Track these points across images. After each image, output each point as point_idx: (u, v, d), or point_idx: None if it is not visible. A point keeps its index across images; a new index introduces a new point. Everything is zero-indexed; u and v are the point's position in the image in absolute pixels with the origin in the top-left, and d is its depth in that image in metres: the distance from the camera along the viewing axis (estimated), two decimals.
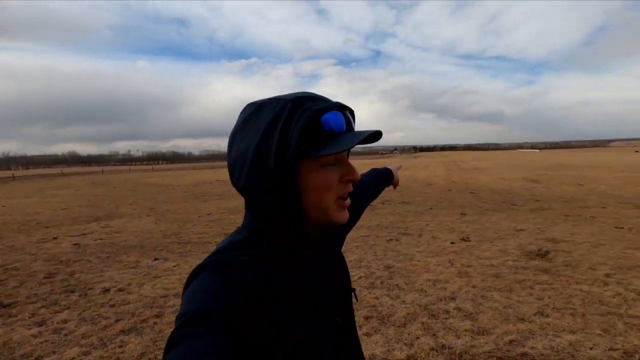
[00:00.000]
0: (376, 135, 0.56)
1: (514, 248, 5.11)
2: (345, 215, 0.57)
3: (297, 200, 0.52)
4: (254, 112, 0.54)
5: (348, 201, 0.58)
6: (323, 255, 0.62)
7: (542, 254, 4.78)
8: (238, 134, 0.55)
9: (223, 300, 0.45)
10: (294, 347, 0.49)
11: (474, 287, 3.73)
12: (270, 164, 0.50)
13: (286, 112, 0.50)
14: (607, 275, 3.89)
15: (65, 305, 3.62)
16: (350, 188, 0.57)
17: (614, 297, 3.34)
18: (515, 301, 3.35)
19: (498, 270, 4.20)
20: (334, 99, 0.57)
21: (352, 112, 0.58)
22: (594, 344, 2.58)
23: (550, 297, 3.40)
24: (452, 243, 5.52)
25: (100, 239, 6.69)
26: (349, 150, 0.55)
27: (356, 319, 3.13)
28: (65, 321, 3.25)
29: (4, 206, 12.31)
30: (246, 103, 0.57)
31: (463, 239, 5.74)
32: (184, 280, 0.50)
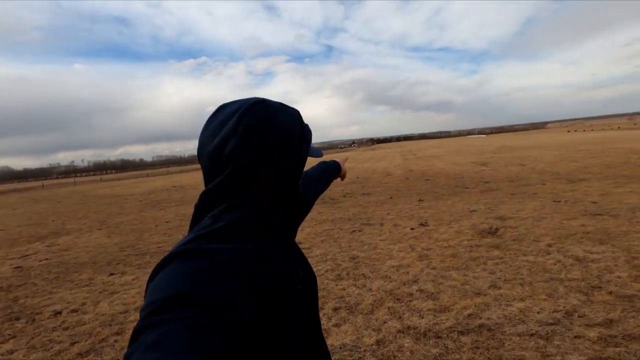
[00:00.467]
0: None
1: (468, 228, 5.45)
2: None
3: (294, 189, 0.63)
4: (281, 107, 0.62)
5: None
6: (291, 243, 0.68)
7: (492, 232, 5.14)
8: (271, 120, 0.59)
9: (204, 281, 0.43)
10: (273, 329, 0.50)
11: (433, 268, 3.93)
12: (302, 150, 0.62)
13: (300, 117, 0.65)
14: (549, 245, 4.27)
15: (10, 334, 3.31)
16: None
17: (555, 264, 3.68)
18: (472, 277, 3.58)
19: (455, 251, 4.45)
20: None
21: None
22: (540, 309, 2.84)
23: (501, 271, 3.67)
24: (412, 229, 5.76)
25: (46, 259, 6.18)
26: None
27: (325, 311, 3.18)
28: (11, 352, 2.97)
29: None
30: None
31: (422, 224, 6.01)
32: None
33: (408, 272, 3.89)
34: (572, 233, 4.65)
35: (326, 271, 4.18)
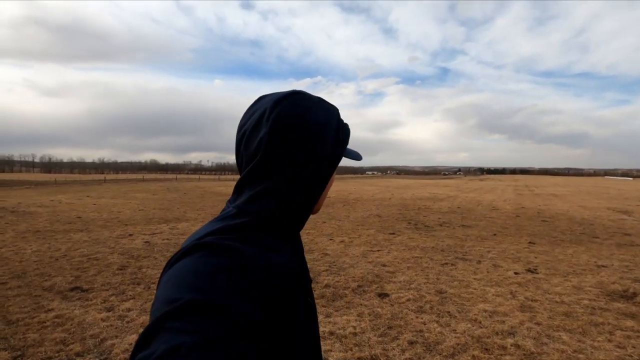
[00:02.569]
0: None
1: (592, 286, 4.48)
2: None
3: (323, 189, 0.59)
4: (319, 102, 0.59)
5: None
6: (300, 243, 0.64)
7: (628, 296, 4.11)
8: (312, 109, 0.56)
9: (225, 287, 0.41)
10: (283, 334, 0.48)
11: (537, 323, 3.33)
12: (336, 149, 0.58)
13: (338, 115, 0.62)
14: None
15: (131, 295, 4.00)
16: None
17: None
18: (589, 346, 2.92)
19: (570, 309, 3.70)
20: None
21: None
22: None
23: (634, 347, 2.90)
24: (515, 273, 5.02)
25: (167, 239, 7.32)
26: None
27: (399, 342, 2.98)
28: (129, 310, 3.59)
29: (94, 204, 14.11)
30: None
31: (529, 270, 5.18)
32: None
33: (504, 322, 3.38)
34: None
35: (407, 300, 3.93)
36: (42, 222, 9.23)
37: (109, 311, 3.54)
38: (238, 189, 0.57)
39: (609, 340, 3.02)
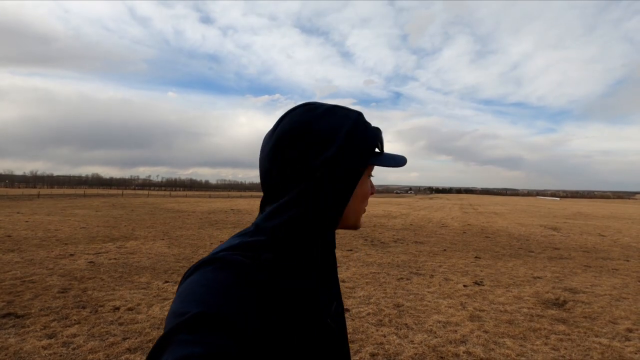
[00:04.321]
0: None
1: (529, 295, 4.94)
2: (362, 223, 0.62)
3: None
4: (330, 111, 0.55)
5: None
6: (329, 260, 0.63)
7: (559, 304, 4.59)
8: (317, 120, 0.54)
9: (233, 301, 0.42)
10: (294, 352, 0.48)
11: (485, 331, 3.61)
12: (355, 158, 0.53)
13: (362, 118, 0.57)
14: (629, 330, 3.70)
15: (76, 320, 3.69)
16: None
17: (637, 354, 3.16)
18: (529, 350, 3.22)
19: (512, 317, 4.05)
20: None
21: None
22: None
23: (566, 349, 3.25)
24: (464, 286, 5.38)
25: (115, 258, 6.83)
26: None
27: (362, 355, 3.06)
28: (74, 335, 3.30)
29: (27, 222, 12.75)
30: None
31: (476, 283, 5.58)
32: None
33: (456, 331, 3.61)
34: None
35: (368, 314, 4.05)
36: None
37: (51, 338, 3.23)
38: (261, 207, 0.57)
39: (546, 344, 3.35)
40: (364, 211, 0.60)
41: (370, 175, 0.60)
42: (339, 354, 0.59)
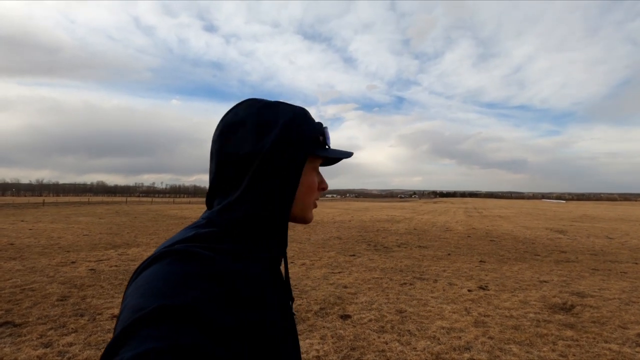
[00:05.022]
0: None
1: (536, 300, 4.82)
2: (312, 217, 0.62)
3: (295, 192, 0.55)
4: (269, 105, 0.56)
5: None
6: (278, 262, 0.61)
7: (567, 308, 4.48)
8: (254, 116, 0.54)
9: (196, 292, 0.40)
10: (264, 343, 0.46)
11: (490, 338, 3.51)
12: (292, 149, 0.53)
13: (302, 112, 0.57)
14: None
15: (73, 328, 3.64)
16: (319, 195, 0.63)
17: None
18: (536, 356, 3.12)
19: (518, 322, 3.95)
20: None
21: None
22: None
23: (574, 355, 3.15)
24: (469, 291, 5.27)
25: (116, 265, 6.79)
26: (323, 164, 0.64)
27: None
28: (70, 344, 3.25)
29: (30, 229, 12.79)
30: None
31: (481, 287, 5.47)
32: None
33: (460, 337, 3.51)
34: None
35: (369, 320, 3.96)
36: None
37: (47, 347, 3.18)
38: (208, 203, 0.58)
39: (553, 350, 3.25)
40: (314, 205, 0.60)
41: (317, 168, 0.61)
42: (296, 349, 0.59)
